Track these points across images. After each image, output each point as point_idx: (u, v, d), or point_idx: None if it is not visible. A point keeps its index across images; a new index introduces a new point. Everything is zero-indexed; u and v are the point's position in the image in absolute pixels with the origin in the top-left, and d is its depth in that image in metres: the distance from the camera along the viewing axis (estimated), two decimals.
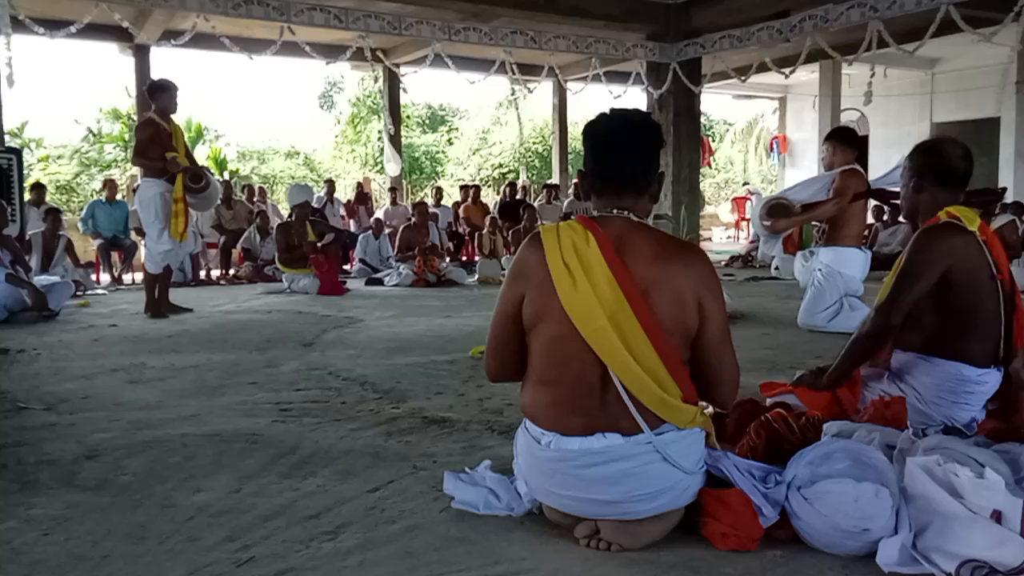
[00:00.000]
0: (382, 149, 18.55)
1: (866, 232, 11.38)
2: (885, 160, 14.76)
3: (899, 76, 13.61)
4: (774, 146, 17.74)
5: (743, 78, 10.92)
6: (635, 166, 1.91)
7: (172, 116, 6.20)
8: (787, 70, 10.13)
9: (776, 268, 9.51)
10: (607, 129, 1.93)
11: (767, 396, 2.71)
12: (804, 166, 16.18)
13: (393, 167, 13.28)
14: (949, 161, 2.61)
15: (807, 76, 13.74)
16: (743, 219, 17.25)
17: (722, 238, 17.35)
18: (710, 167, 20.38)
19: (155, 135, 6.00)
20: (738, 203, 17.93)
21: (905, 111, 15.01)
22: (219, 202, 8.94)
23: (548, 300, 1.84)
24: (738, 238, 16.58)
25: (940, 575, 1.66)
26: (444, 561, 1.81)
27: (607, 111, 1.97)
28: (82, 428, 2.97)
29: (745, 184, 18.63)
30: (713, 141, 21.77)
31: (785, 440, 2.25)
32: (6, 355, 4.58)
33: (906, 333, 2.61)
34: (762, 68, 10.56)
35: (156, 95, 6.12)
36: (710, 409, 2.14)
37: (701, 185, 12.99)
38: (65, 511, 2.14)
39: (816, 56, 10.31)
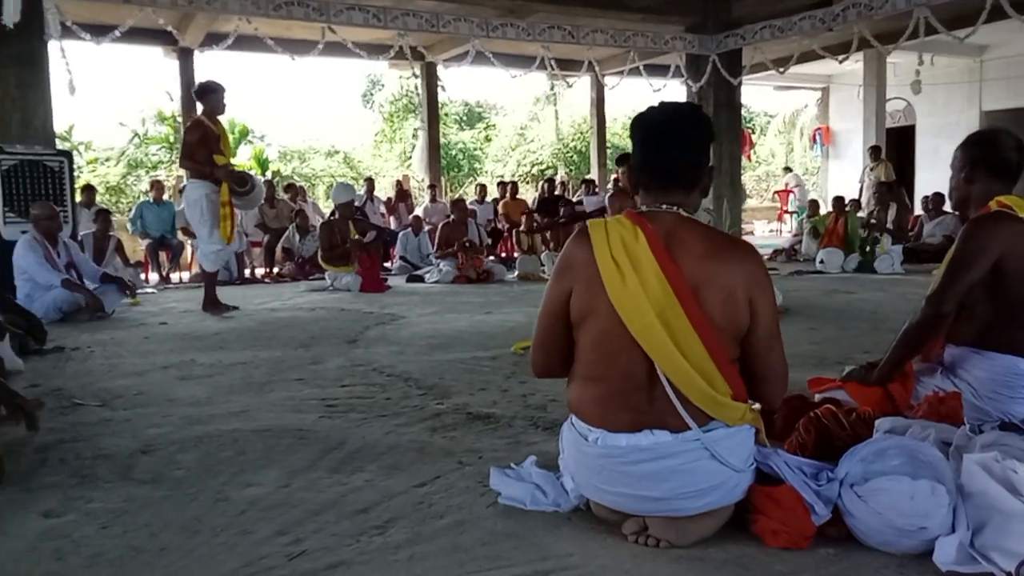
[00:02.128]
0: (414, 147, 18.68)
1: (911, 224, 11.17)
2: (933, 149, 14.44)
3: (947, 64, 13.27)
4: (817, 137, 17.43)
5: (782, 69, 10.75)
6: (685, 160, 1.89)
7: (220, 118, 6.30)
8: (837, 58, 9.94)
9: (821, 262, 9.38)
10: (657, 122, 1.91)
11: (815, 392, 2.67)
12: (848, 157, 15.88)
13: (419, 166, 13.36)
14: (1002, 152, 2.55)
15: (851, 65, 13.46)
16: (785, 211, 17.00)
17: (764, 231, 17.12)
18: (751, 160, 20.09)
19: (203, 137, 6.10)
20: (781, 196, 17.67)
21: (953, 99, 14.65)
22: (263, 202, 9.06)
23: (596, 295, 1.83)
24: (780, 232, 16.34)
25: (999, 574, 1.62)
26: (492, 556, 1.82)
27: (657, 103, 1.95)
28: (136, 423, 3.05)
29: (788, 169, 18.19)
30: (754, 134, 21.46)
31: (835, 436, 2.21)
32: (61, 352, 4.71)
33: (959, 326, 2.54)
34: (803, 58, 10.39)
35: (204, 97, 6.20)
36: (757, 406, 2.12)
37: (742, 178, 12.83)
38: (122, 504, 2.20)
39: (860, 45, 10.10)
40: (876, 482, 1.80)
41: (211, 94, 6.18)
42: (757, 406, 2.09)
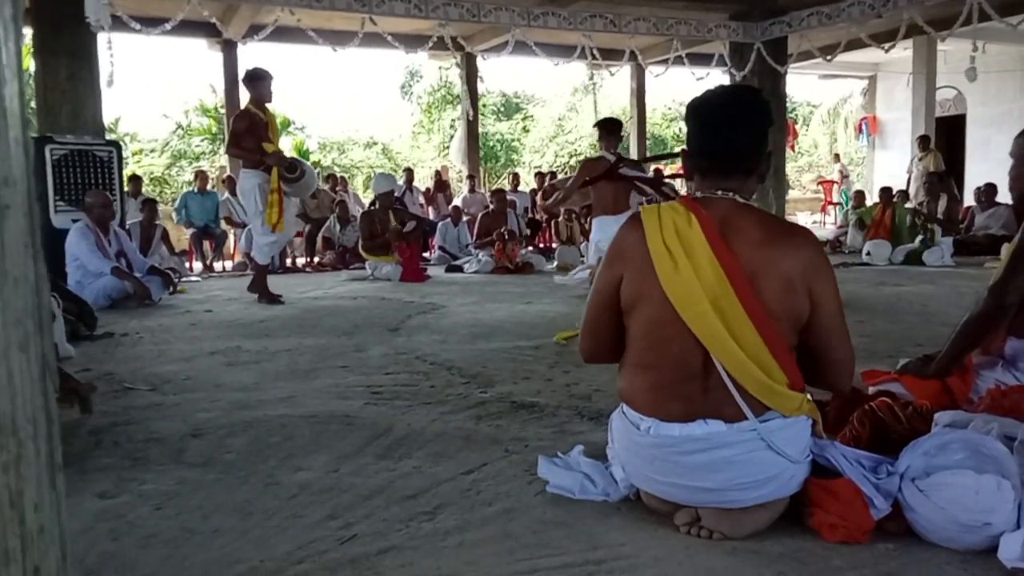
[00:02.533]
0: (451, 136, 18.65)
1: (962, 216, 10.89)
2: (984, 140, 14.05)
3: (999, 51, 12.89)
4: (863, 127, 17.06)
5: (829, 57, 10.53)
6: (744, 145, 1.85)
7: (268, 105, 6.32)
8: (884, 46, 9.70)
9: (868, 254, 9.19)
10: (716, 105, 1.87)
11: (870, 384, 2.61)
12: (897, 147, 15.51)
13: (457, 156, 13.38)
14: None
15: (899, 53, 13.14)
16: (829, 203, 16.69)
17: (807, 223, 16.83)
18: (794, 151, 19.74)
19: (251, 125, 6.13)
20: (824, 186, 17.35)
21: (1005, 88, 14.22)
22: (316, 188, 8.99)
23: (647, 282, 1.80)
24: (824, 223, 16.05)
25: None
26: (543, 544, 1.80)
27: (715, 87, 1.91)
28: (186, 408, 3.09)
29: (837, 158, 17.71)
30: (796, 124, 21.08)
31: (891, 430, 2.16)
32: (111, 338, 4.81)
33: (1021, 319, 2.47)
34: (851, 46, 10.16)
35: (252, 84, 6.22)
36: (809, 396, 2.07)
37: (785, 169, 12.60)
38: (175, 487, 2.23)
39: (909, 32, 9.85)
40: (939, 476, 1.75)
41: (258, 81, 6.20)
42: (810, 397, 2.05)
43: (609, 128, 6.18)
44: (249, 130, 6.13)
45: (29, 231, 0.48)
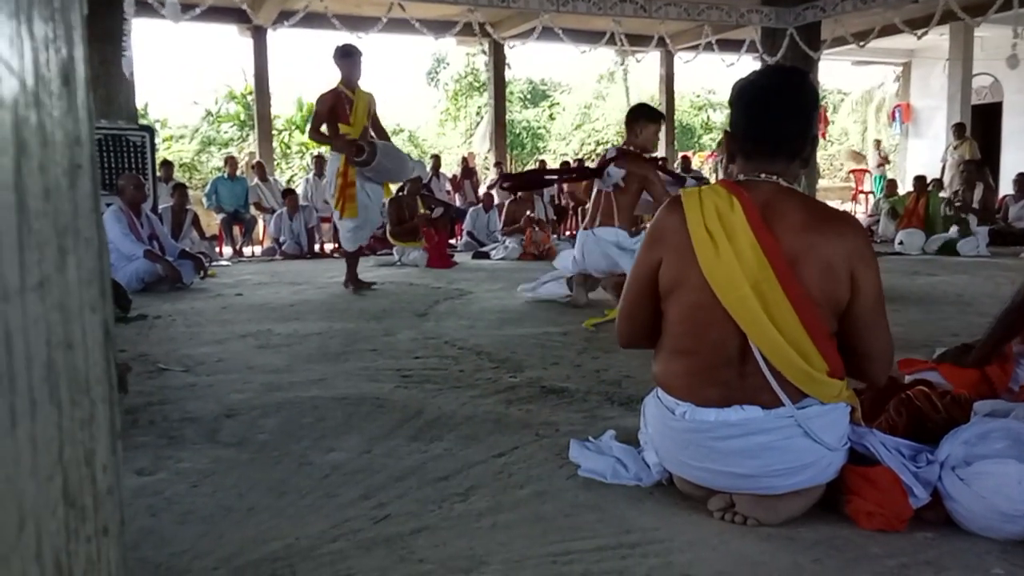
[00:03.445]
0: (477, 124, 18.60)
1: (998, 205, 10.69)
2: (1020, 128, 13.76)
3: None
4: (896, 115, 16.77)
5: (862, 43, 10.36)
6: (792, 127, 1.82)
7: (359, 84, 5.82)
8: (919, 32, 9.52)
9: (900, 243, 9.07)
10: (762, 87, 1.85)
11: (906, 373, 2.56)
12: (931, 135, 15.25)
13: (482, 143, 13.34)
14: None
15: (935, 39, 12.91)
16: (860, 191, 16.46)
17: (850, 213, 16.57)
18: (825, 138, 19.47)
19: (333, 107, 5.69)
20: (856, 175, 17.10)
21: None
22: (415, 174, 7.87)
23: (687, 266, 1.79)
24: (855, 212, 15.83)
25: None
26: (575, 527, 1.80)
27: (761, 68, 1.89)
28: (219, 389, 3.13)
29: (877, 143, 17.25)
30: (827, 111, 20.77)
31: (928, 419, 2.12)
32: (144, 320, 4.88)
33: None
34: (885, 31, 9.99)
35: (342, 62, 5.73)
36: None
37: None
38: (210, 465, 2.26)
39: (945, 17, 9.65)
40: (980, 465, 1.72)
41: (348, 59, 5.72)
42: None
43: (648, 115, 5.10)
44: (331, 112, 5.69)
45: (95, 196, 0.49)
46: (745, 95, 1.87)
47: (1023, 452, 1.73)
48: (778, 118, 1.82)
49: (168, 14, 6.58)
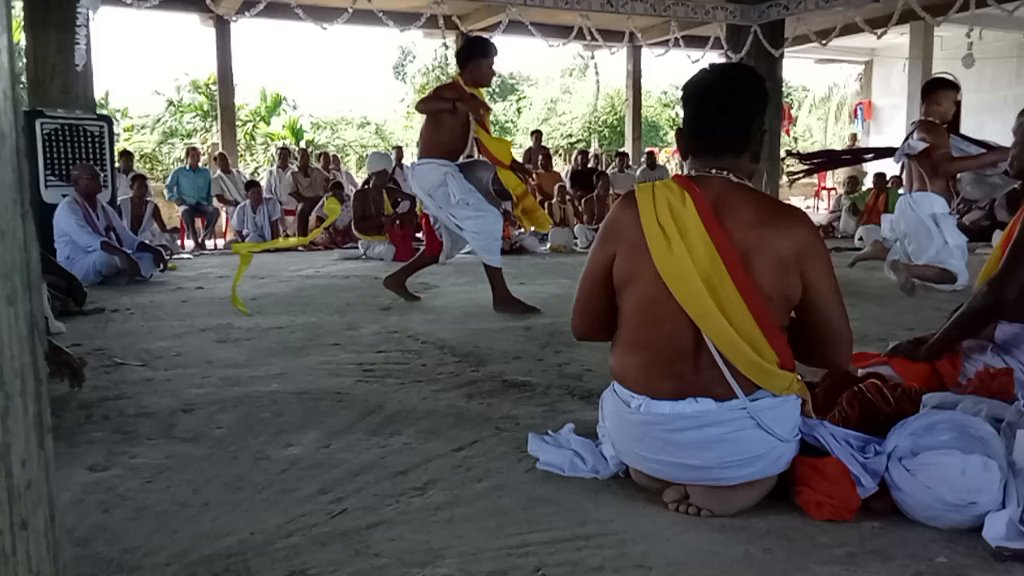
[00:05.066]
0: None
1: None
2: (978, 127, 14.03)
3: (995, 38, 12.89)
4: (858, 112, 17.04)
5: (825, 41, 10.50)
6: (733, 123, 1.84)
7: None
8: (878, 31, 9.68)
9: (860, 239, 9.23)
10: (706, 84, 1.87)
11: (859, 367, 2.61)
12: (891, 132, 15.50)
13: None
14: None
15: (896, 39, 13.14)
16: (823, 188, 16.70)
17: (800, 208, 16.80)
18: (789, 135, 19.70)
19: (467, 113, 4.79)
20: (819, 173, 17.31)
21: (1001, 75, 14.22)
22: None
23: (640, 261, 1.80)
24: (817, 208, 16.07)
25: None
26: (532, 520, 1.81)
27: (708, 65, 1.91)
28: (177, 383, 3.09)
29: (853, 137, 17.33)
30: (792, 108, 21.03)
31: (880, 411, 2.16)
32: (101, 314, 4.79)
33: (1013, 304, 2.47)
34: (847, 30, 10.14)
35: (474, 61, 4.83)
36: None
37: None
38: (165, 461, 2.23)
39: (905, 17, 9.82)
40: (926, 456, 1.76)
41: (481, 60, 4.81)
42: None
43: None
44: (459, 112, 4.78)
45: (18, 187, 0.48)
46: (689, 92, 1.89)
47: (968, 443, 1.78)
48: (718, 114, 1.84)
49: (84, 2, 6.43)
